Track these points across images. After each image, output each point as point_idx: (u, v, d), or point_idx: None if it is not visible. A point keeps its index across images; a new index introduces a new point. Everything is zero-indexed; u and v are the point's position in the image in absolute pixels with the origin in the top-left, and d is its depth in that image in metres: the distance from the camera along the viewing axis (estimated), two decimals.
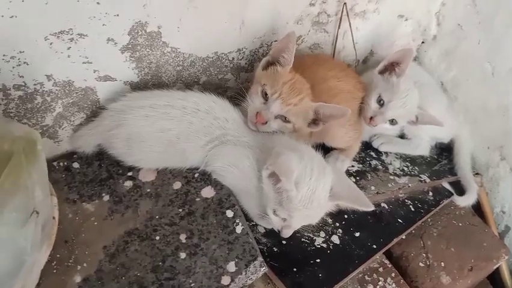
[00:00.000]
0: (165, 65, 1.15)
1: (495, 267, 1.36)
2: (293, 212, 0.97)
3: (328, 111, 1.12)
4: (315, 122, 1.15)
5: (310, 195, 0.96)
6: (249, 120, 1.12)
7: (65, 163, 1.14)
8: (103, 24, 0.97)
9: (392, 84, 1.28)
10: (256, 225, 1.14)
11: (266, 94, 1.10)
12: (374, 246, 1.19)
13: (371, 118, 1.29)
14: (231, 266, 0.98)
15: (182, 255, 0.99)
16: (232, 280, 0.97)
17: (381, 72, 1.32)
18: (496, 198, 1.48)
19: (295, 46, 1.08)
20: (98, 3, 0.93)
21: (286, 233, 1.03)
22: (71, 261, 0.97)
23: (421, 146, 1.48)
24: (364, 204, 1.01)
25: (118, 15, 0.98)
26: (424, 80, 1.51)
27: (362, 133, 1.39)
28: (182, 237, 1.02)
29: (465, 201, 1.42)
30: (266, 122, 1.09)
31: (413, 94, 1.30)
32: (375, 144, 1.46)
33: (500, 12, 1.32)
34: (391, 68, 1.30)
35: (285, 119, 1.11)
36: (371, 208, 1.01)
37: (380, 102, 1.29)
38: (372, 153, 1.46)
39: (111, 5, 0.95)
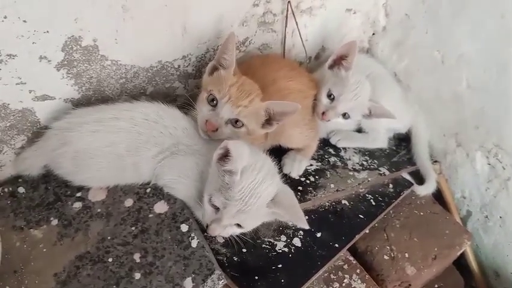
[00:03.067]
0: (107, 79, 1.11)
1: (458, 253, 1.37)
2: (229, 201, 0.93)
3: (279, 108, 1.09)
4: (268, 122, 1.12)
5: (251, 189, 0.93)
6: (199, 129, 1.09)
7: (10, 189, 1.09)
8: (33, 43, 0.93)
9: (342, 77, 1.27)
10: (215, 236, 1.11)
11: (213, 100, 1.07)
12: (336, 245, 1.17)
13: (323, 113, 1.27)
14: (188, 283, 0.95)
15: (137, 275, 0.96)
16: None
17: (331, 67, 1.31)
18: (455, 184, 1.49)
19: (235, 46, 1.06)
20: (24, 21, 0.89)
21: (214, 228, 0.95)
22: None
23: (378, 138, 1.48)
24: (301, 221, 0.97)
25: (47, 31, 0.93)
26: (377, 71, 1.51)
27: (318, 131, 1.37)
28: (137, 257, 0.99)
29: (425, 190, 1.42)
30: (217, 129, 1.06)
31: (364, 86, 1.29)
32: (332, 141, 1.45)
33: (445, 1, 1.33)
34: (339, 62, 1.29)
35: (236, 123, 1.08)
36: (307, 227, 0.98)
37: (331, 97, 1.28)
38: (330, 150, 1.45)
39: (39, 22, 0.91)
